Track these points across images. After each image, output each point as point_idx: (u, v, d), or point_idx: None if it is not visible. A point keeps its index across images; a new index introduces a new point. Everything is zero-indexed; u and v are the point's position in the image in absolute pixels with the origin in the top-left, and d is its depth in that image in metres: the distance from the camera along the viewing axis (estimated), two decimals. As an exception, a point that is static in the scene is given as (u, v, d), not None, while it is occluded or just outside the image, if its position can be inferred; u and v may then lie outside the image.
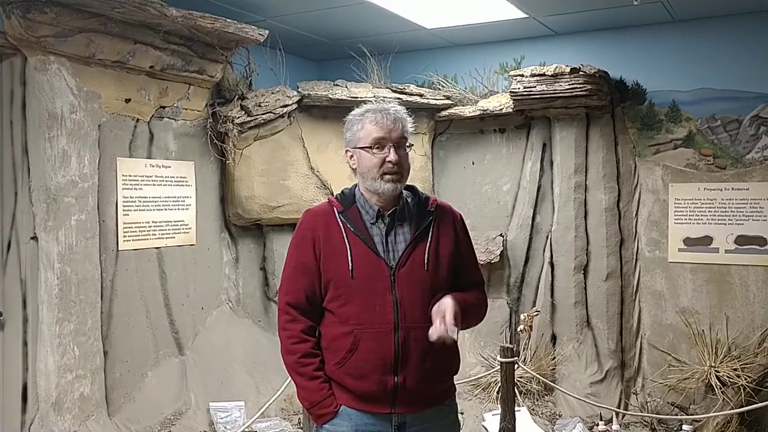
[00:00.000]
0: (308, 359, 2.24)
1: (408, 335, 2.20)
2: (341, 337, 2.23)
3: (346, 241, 2.25)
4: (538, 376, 4.46)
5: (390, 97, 5.04)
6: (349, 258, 2.22)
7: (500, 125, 5.31)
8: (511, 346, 3.65)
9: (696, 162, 4.80)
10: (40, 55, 3.64)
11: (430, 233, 2.31)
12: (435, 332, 2.13)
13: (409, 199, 2.36)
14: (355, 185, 2.38)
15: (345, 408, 2.23)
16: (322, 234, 2.27)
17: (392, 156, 2.24)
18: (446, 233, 2.35)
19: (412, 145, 2.35)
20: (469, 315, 2.29)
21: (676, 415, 4.53)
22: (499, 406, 3.68)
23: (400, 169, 2.26)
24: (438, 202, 2.41)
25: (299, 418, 4.47)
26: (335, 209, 2.31)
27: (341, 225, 2.27)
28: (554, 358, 4.96)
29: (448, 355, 2.31)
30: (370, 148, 2.25)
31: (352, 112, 2.35)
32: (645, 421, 4.59)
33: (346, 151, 2.34)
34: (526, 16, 4.74)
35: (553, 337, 5.05)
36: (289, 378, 4.16)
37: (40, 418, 3.71)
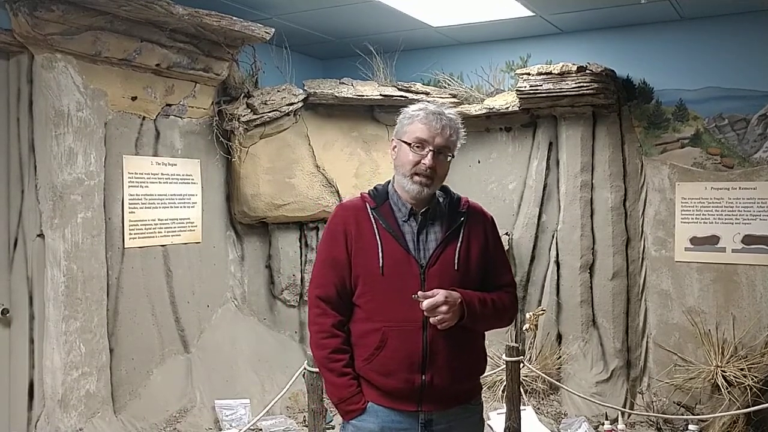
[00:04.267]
0: (338, 355, 2.25)
1: (436, 334, 2.20)
2: (369, 334, 2.23)
3: (377, 237, 2.25)
4: (543, 375, 4.45)
5: (397, 96, 5.05)
6: (380, 254, 2.23)
7: (506, 124, 5.30)
8: (516, 345, 3.65)
9: (703, 161, 4.78)
10: (47, 53, 3.65)
11: (461, 233, 2.31)
12: (422, 296, 2.15)
13: (441, 199, 2.36)
14: (388, 182, 2.38)
15: (372, 404, 2.24)
16: (354, 229, 2.27)
17: (428, 160, 2.23)
18: (477, 234, 2.35)
19: (454, 156, 2.33)
20: (485, 315, 2.27)
21: (682, 414, 4.52)
22: (504, 404, 3.68)
23: (433, 174, 2.25)
24: (470, 203, 2.41)
25: (304, 416, 4.47)
26: (368, 205, 2.31)
27: (373, 221, 2.28)
28: (560, 357, 4.95)
29: (474, 354, 2.33)
30: (411, 144, 2.26)
31: (411, 106, 2.35)
32: (651, 420, 4.58)
33: (392, 140, 2.36)
34: (533, 14, 4.73)
35: (559, 336, 5.04)
36: (295, 376, 4.18)
37: (46, 415, 3.72)
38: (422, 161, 2.23)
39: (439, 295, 2.15)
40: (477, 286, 2.29)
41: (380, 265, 2.22)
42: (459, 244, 2.28)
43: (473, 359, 2.33)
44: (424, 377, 2.19)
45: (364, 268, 2.24)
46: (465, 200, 2.40)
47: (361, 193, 2.40)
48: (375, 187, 2.40)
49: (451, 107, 2.41)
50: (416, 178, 2.24)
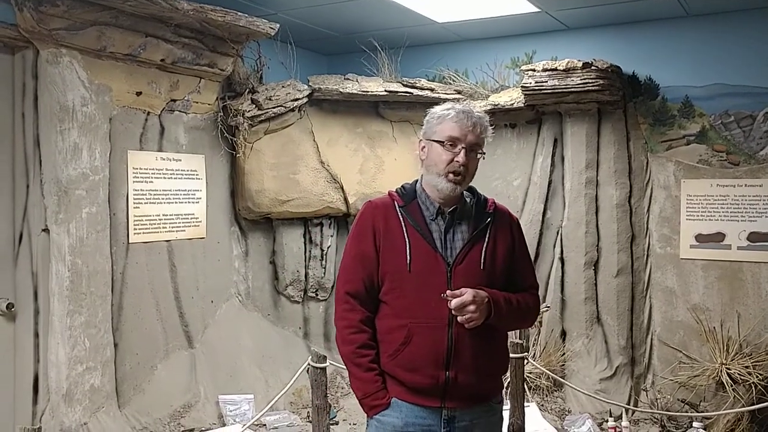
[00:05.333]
0: (365, 350, 2.27)
1: (462, 331, 2.22)
2: (395, 330, 2.25)
3: (405, 235, 2.27)
4: (547, 371, 4.45)
5: (402, 92, 5.04)
6: (408, 252, 2.25)
7: (511, 120, 5.28)
8: (520, 341, 3.65)
9: (709, 158, 4.76)
10: (52, 48, 3.65)
11: (488, 234, 2.33)
12: (451, 294, 2.17)
13: (468, 200, 2.38)
14: (416, 181, 2.40)
15: (396, 400, 2.26)
16: (382, 226, 2.29)
17: (461, 157, 2.26)
18: (503, 236, 2.37)
19: (485, 153, 2.37)
20: (510, 315, 2.30)
21: (686, 412, 4.51)
22: (508, 401, 3.67)
23: (465, 172, 2.29)
24: (496, 204, 2.44)
25: (308, 412, 4.48)
26: (396, 203, 2.34)
27: (401, 219, 2.30)
28: (564, 354, 4.94)
29: (498, 353, 2.36)
30: (443, 143, 2.27)
31: (437, 107, 2.37)
32: (655, 418, 4.57)
33: (419, 140, 2.37)
34: (538, 10, 4.71)
35: (563, 333, 5.03)
36: (298, 371, 4.18)
37: (50, 410, 3.73)
38: (455, 159, 2.26)
39: (467, 294, 2.17)
40: (502, 287, 2.31)
41: (408, 262, 2.24)
42: (485, 244, 2.31)
43: (496, 358, 2.36)
44: (448, 374, 2.22)
45: (391, 265, 2.26)
46: (492, 201, 2.43)
47: (389, 192, 2.42)
48: (403, 186, 2.42)
49: (480, 108, 2.42)
50: (451, 176, 2.27)
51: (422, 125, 2.38)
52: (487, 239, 2.32)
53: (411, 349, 2.22)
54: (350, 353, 2.28)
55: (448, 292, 2.18)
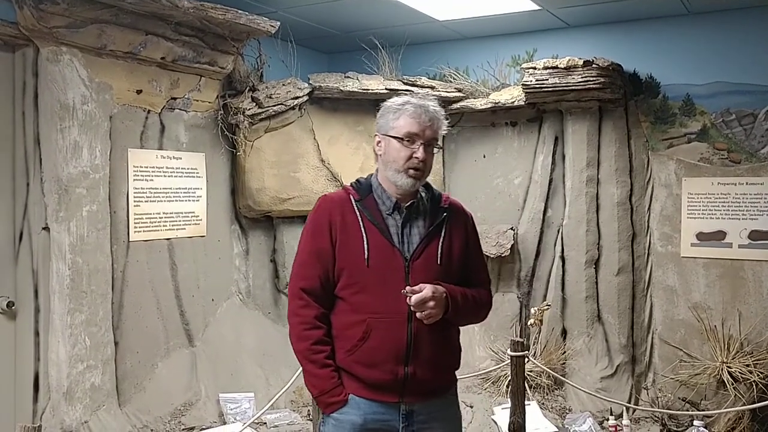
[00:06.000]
0: (320, 346, 2.25)
1: (420, 327, 2.23)
2: (353, 326, 2.24)
3: (362, 229, 2.26)
4: (548, 370, 4.45)
5: (402, 90, 5.03)
6: (366, 246, 2.24)
7: (512, 118, 5.28)
8: (521, 340, 3.64)
9: (710, 156, 4.75)
10: (52, 46, 3.65)
11: (444, 229, 2.34)
12: (410, 290, 2.18)
13: (423, 194, 2.37)
14: (371, 175, 2.39)
15: (354, 397, 2.25)
16: (339, 221, 2.28)
17: (420, 153, 2.26)
18: (458, 231, 2.39)
19: (441, 147, 2.38)
20: (466, 310, 2.33)
21: (687, 410, 4.50)
22: (509, 399, 3.67)
23: (424, 167, 2.29)
24: (450, 200, 2.44)
25: (308, 410, 4.48)
26: (352, 197, 2.32)
27: (358, 213, 2.29)
28: (564, 352, 4.94)
29: (453, 348, 2.39)
30: (402, 139, 2.27)
31: (392, 100, 2.36)
32: (656, 416, 4.57)
33: (376, 135, 2.36)
34: (539, 8, 4.71)
35: (564, 332, 5.03)
36: (299, 370, 4.16)
37: (51, 408, 3.73)
38: (414, 155, 2.25)
39: (427, 289, 2.18)
40: (456, 282, 2.33)
41: (366, 257, 2.23)
42: (441, 240, 2.32)
43: (452, 353, 2.39)
44: (407, 369, 2.22)
45: (349, 260, 2.25)
46: (446, 197, 2.44)
47: (344, 186, 2.42)
48: (358, 180, 2.41)
49: (433, 97, 2.42)
50: (411, 172, 2.26)
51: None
52: (443, 234, 2.33)
53: (370, 344, 2.21)
54: (305, 350, 2.25)
55: (407, 288, 2.18)
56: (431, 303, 2.19)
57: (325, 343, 2.26)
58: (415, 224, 2.32)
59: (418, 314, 2.20)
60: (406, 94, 2.39)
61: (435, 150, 2.34)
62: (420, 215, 2.33)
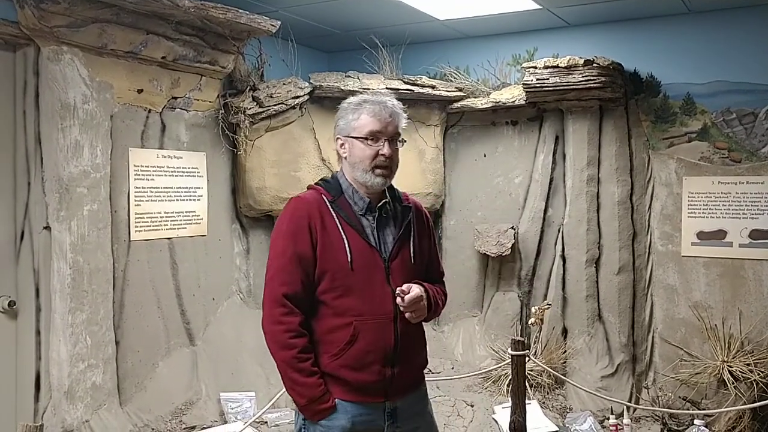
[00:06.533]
0: (306, 354, 2.21)
1: (405, 326, 2.26)
2: (338, 329, 2.22)
3: (341, 231, 2.23)
4: (548, 369, 4.45)
5: (403, 89, 5.04)
6: (348, 249, 2.22)
7: (512, 117, 5.28)
8: (522, 339, 3.64)
9: (710, 155, 4.75)
10: (53, 46, 3.65)
11: (412, 228, 2.37)
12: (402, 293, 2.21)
13: (389, 194, 2.38)
14: (335, 173, 2.39)
15: (340, 401, 2.23)
16: (318, 223, 2.23)
17: (386, 150, 2.25)
18: (421, 228, 2.42)
19: (405, 141, 2.36)
20: (437, 307, 2.39)
21: (688, 409, 4.50)
22: (509, 398, 3.67)
23: (391, 163, 2.29)
24: (409, 197, 2.47)
25: (309, 409, 4.48)
26: (325, 198, 2.29)
27: (335, 215, 2.26)
28: (565, 351, 4.94)
29: (425, 345, 2.45)
30: (365, 139, 2.26)
31: (348, 100, 2.35)
32: (656, 415, 4.57)
33: (337, 138, 2.34)
34: (540, 7, 4.71)
35: (564, 331, 5.03)
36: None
37: (52, 407, 3.74)
38: (381, 153, 2.25)
39: (416, 289, 2.21)
40: (422, 278, 2.38)
41: (349, 260, 2.21)
42: (412, 239, 2.35)
43: (425, 348, 2.44)
44: (394, 369, 2.24)
45: (331, 263, 2.21)
46: (405, 194, 2.46)
47: (311, 186, 2.37)
48: (325, 180, 2.38)
49: (391, 94, 2.41)
50: (378, 170, 2.26)
51: (349, 120, 2.33)
52: (412, 233, 2.35)
53: (358, 347, 2.20)
54: (291, 358, 2.18)
55: (399, 288, 2.20)
56: (422, 303, 2.23)
57: (309, 350, 2.21)
58: (387, 224, 2.32)
59: (407, 314, 2.21)
60: (362, 93, 2.38)
61: (399, 145, 2.33)
62: (390, 215, 2.34)
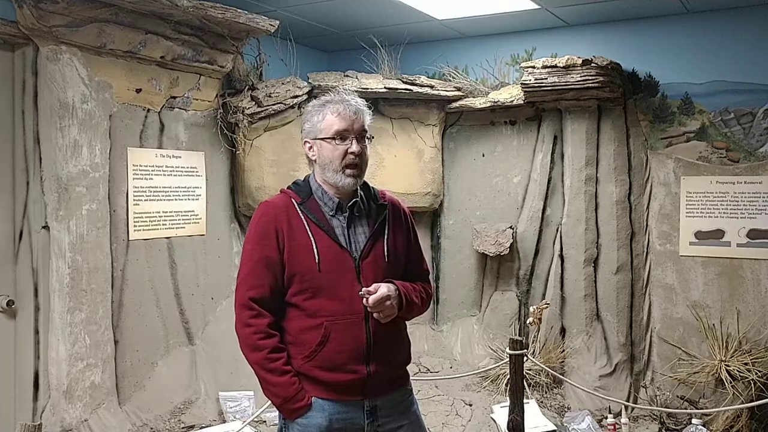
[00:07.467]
0: (277, 354, 2.22)
1: (377, 325, 2.25)
2: (309, 330, 2.23)
3: (309, 233, 2.25)
4: (547, 368, 4.46)
5: (402, 89, 5.04)
6: (315, 250, 2.23)
7: (511, 117, 5.29)
8: (520, 338, 3.65)
9: (708, 155, 4.76)
10: (52, 45, 3.65)
11: (386, 226, 2.36)
12: (366, 291, 2.20)
13: (362, 193, 2.38)
14: (308, 176, 2.39)
15: (317, 399, 2.24)
16: (285, 227, 2.25)
17: (355, 147, 2.26)
18: (399, 227, 2.41)
19: (372, 137, 2.37)
20: (415, 305, 2.36)
21: (686, 409, 4.51)
22: (507, 398, 3.68)
23: (361, 162, 2.29)
24: (386, 195, 2.46)
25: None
26: (294, 201, 2.31)
27: (303, 217, 2.27)
28: (563, 350, 4.95)
29: (405, 343, 2.43)
30: (333, 139, 2.26)
31: (311, 103, 2.37)
32: (654, 414, 4.58)
33: (305, 142, 2.34)
34: (538, 7, 4.71)
35: (563, 330, 5.04)
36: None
37: (51, 406, 3.74)
38: (349, 151, 2.26)
39: (383, 288, 2.20)
40: (402, 277, 2.36)
41: (317, 261, 2.22)
42: (386, 237, 2.34)
43: (405, 347, 2.43)
44: (369, 368, 2.24)
45: (299, 266, 2.23)
46: (382, 192, 2.45)
47: (282, 190, 2.39)
48: (296, 182, 2.40)
49: (351, 91, 2.41)
50: (348, 170, 2.27)
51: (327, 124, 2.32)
52: (387, 231, 2.34)
53: (330, 347, 2.21)
54: (262, 359, 2.20)
55: (363, 289, 2.19)
56: (388, 302, 2.21)
57: (280, 350, 2.23)
58: (359, 223, 2.32)
59: (375, 314, 2.22)
60: (322, 96, 2.38)
61: (367, 142, 2.34)
62: (362, 214, 2.34)
